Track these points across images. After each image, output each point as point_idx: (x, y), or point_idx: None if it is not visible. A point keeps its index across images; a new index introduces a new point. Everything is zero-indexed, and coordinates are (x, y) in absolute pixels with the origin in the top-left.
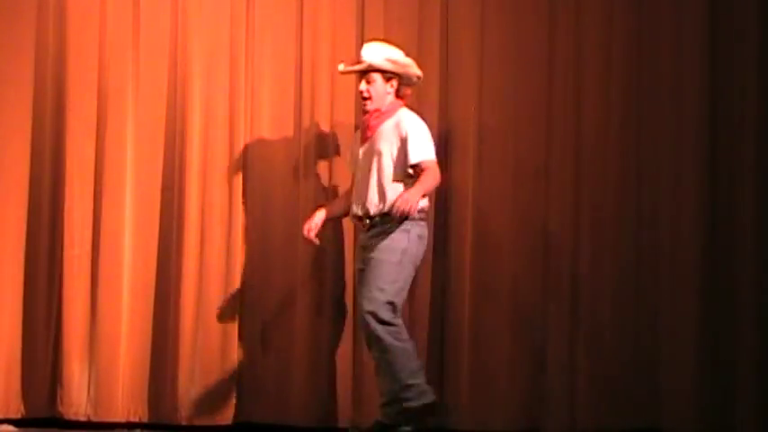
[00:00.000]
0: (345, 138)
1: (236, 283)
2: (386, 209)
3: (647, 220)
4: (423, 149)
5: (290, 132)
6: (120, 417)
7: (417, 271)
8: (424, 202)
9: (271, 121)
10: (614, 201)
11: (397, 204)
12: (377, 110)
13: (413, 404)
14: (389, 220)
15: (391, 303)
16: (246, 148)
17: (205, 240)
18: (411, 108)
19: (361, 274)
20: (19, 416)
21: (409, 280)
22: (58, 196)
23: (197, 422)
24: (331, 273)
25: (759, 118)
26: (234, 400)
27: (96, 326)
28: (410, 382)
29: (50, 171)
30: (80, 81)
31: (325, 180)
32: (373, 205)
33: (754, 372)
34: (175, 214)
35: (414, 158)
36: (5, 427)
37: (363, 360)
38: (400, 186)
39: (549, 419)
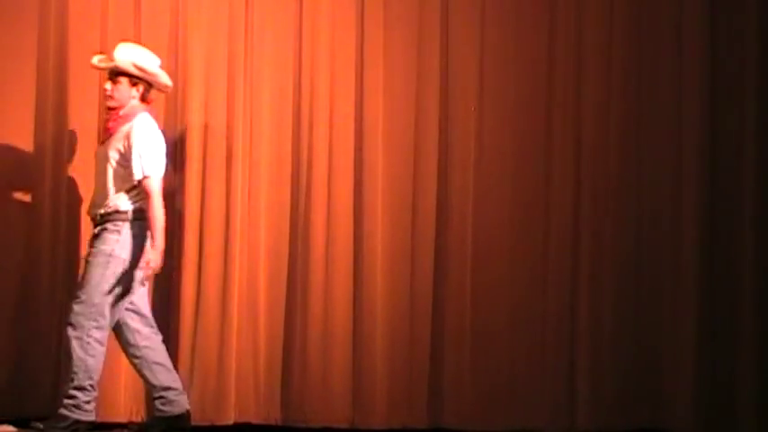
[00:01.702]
0: (343, 138)
1: (235, 284)
2: (102, 209)
3: (648, 220)
4: (144, 166)
5: (288, 132)
6: (121, 417)
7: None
8: (135, 205)
9: (270, 121)
10: (614, 200)
11: (151, 267)
12: (117, 111)
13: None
14: (105, 221)
15: (95, 306)
16: (245, 148)
17: (204, 242)
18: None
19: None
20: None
21: (125, 282)
22: (59, 198)
23: (196, 422)
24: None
25: (759, 117)
26: (233, 401)
27: None
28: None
29: (51, 172)
30: (81, 81)
31: (324, 179)
32: (97, 206)
33: (756, 372)
34: (174, 215)
35: (137, 176)
36: (5, 427)
37: (363, 360)
38: (123, 197)
39: (550, 420)
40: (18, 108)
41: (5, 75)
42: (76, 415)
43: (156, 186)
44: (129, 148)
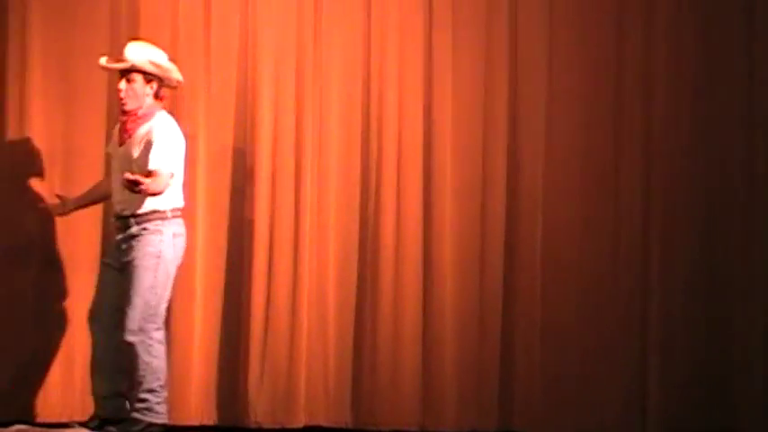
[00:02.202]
0: (412, 140)
1: (305, 286)
2: (135, 210)
3: (719, 221)
4: (162, 159)
5: (357, 136)
6: (192, 420)
7: None
8: (179, 203)
9: (339, 126)
10: (685, 201)
11: (126, 177)
12: (135, 112)
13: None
14: (142, 222)
15: (152, 308)
16: (314, 152)
17: (274, 243)
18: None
19: (113, 272)
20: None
21: (168, 283)
22: None
23: (267, 425)
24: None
25: None
26: (303, 404)
27: (169, 330)
28: None
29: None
30: None
31: (393, 182)
32: (128, 208)
33: None
34: (245, 217)
35: (151, 165)
36: (20, 427)
37: (432, 362)
38: (159, 196)
39: (621, 422)
40: (89, 112)
41: (77, 78)
42: (149, 418)
43: (164, 182)
44: (147, 142)
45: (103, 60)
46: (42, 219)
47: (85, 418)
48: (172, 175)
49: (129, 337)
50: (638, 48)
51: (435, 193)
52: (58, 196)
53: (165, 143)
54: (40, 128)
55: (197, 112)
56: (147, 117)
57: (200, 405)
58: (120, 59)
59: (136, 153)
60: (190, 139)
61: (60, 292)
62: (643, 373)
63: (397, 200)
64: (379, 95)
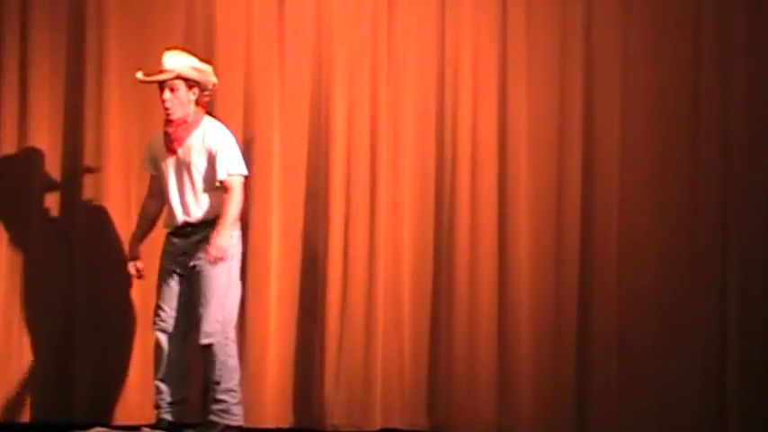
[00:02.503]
0: (487, 141)
1: (380, 289)
2: (204, 217)
3: None
4: (230, 165)
5: (432, 136)
6: (268, 423)
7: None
8: None
9: (413, 125)
10: (763, 200)
11: (213, 255)
12: (183, 120)
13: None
14: (210, 226)
15: (227, 309)
16: (389, 152)
17: (349, 246)
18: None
19: (178, 279)
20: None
21: (239, 283)
22: None
23: (343, 428)
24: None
25: None
26: (379, 407)
27: (245, 332)
28: None
29: None
30: (227, 90)
31: (468, 183)
32: (194, 214)
33: None
34: (320, 220)
35: (221, 175)
36: (99, 429)
37: (508, 365)
38: (218, 195)
39: (699, 425)
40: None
41: (154, 86)
42: (226, 420)
43: (239, 184)
44: (212, 152)
45: (140, 75)
46: (122, 225)
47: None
48: (243, 178)
49: (207, 339)
50: (715, 46)
51: (510, 195)
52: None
53: (227, 150)
54: (116, 136)
55: (272, 116)
56: (195, 124)
57: (275, 408)
58: (159, 71)
59: (198, 162)
60: (264, 143)
61: (139, 298)
62: (720, 377)
63: (471, 202)
64: (453, 97)
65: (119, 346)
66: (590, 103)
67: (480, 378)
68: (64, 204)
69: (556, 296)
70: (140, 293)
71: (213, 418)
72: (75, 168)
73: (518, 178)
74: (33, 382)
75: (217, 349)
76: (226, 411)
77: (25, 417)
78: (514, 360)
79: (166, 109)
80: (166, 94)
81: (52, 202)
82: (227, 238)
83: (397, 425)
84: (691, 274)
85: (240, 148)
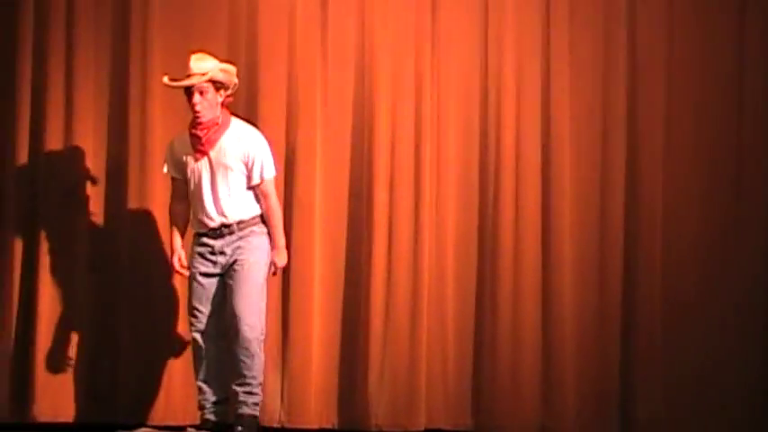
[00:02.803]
0: (531, 139)
1: (424, 289)
2: (240, 217)
3: None
4: (264, 170)
5: (476, 139)
6: (312, 423)
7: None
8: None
9: (457, 128)
10: None
11: (279, 266)
12: (214, 123)
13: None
14: (247, 227)
15: (260, 306)
16: (433, 155)
17: (393, 247)
18: None
19: (214, 279)
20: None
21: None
22: None
23: (387, 428)
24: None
25: None
26: (423, 407)
27: (289, 332)
28: None
29: None
30: (270, 93)
31: (511, 186)
32: (231, 216)
33: None
34: (363, 222)
35: (256, 180)
36: (144, 429)
37: (552, 365)
38: (250, 194)
39: (747, 427)
40: None
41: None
42: (258, 414)
43: (273, 188)
44: (248, 155)
45: (166, 79)
46: (165, 225)
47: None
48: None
49: (249, 334)
50: (760, 45)
51: (554, 194)
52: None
53: (262, 153)
54: (159, 130)
55: (314, 115)
56: (225, 125)
57: (319, 408)
58: (187, 75)
59: (234, 164)
60: (307, 142)
61: (183, 297)
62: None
63: (515, 201)
64: (496, 96)
65: (163, 346)
66: (633, 102)
67: (524, 378)
68: (108, 203)
69: (599, 297)
70: (184, 292)
71: (250, 411)
72: (120, 168)
73: (561, 179)
74: (78, 383)
75: (254, 345)
76: (257, 404)
77: (69, 417)
78: (558, 360)
79: (196, 112)
80: (196, 97)
81: (97, 201)
82: (281, 243)
83: (441, 425)
84: (736, 280)
85: (283, 150)
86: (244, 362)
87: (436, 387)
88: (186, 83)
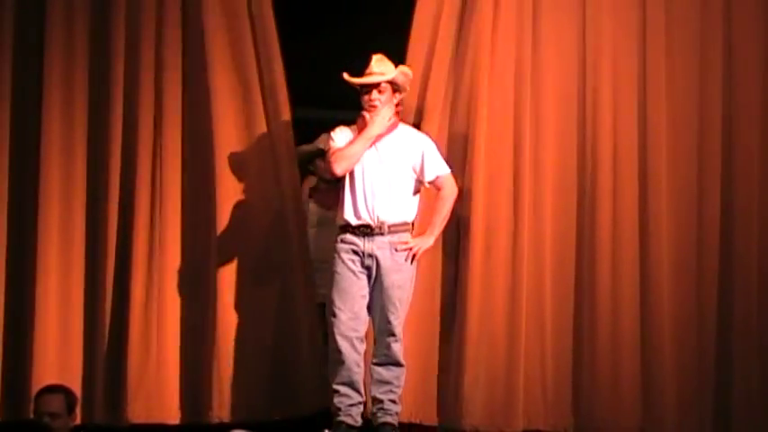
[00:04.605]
0: (628, 141)
1: (522, 290)
2: (398, 220)
3: None
4: (440, 164)
5: (573, 140)
6: (412, 417)
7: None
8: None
9: (555, 129)
10: None
11: (414, 251)
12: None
13: None
14: (400, 231)
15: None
16: (531, 156)
17: (491, 248)
18: None
19: (363, 279)
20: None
21: None
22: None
23: (484, 429)
24: None
25: None
26: (521, 409)
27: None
28: None
29: None
30: None
31: (608, 184)
32: (389, 217)
33: None
34: (463, 221)
35: (430, 176)
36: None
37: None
38: (416, 200)
39: None
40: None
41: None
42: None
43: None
44: (422, 155)
45: (345, 76)
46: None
47: None
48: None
49: (396, 343)
50: None
51: (651, 196)
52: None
53: (434, 150)
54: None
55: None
56: (393, 126)
57: (417, 405)
58: (369, 74)
59: (401, 159)
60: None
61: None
62: None
63: (612, 203)
64: (593, 98)
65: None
66: (729, 104)
67: (624, 380)
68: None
69: (697, 299)
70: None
71: (390, 419)
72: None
73: (658, 181)
74: (182, 384)
75: (400, 350)
76: (397, 414)
77: (175, 418)
78: (658, 362)
79: (372, 107)
80: (375, 93)
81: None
82: (430, 241)
83: (540, 426)
84: None
85: None
86: (392, 367)
87: (534, 388)
88: (369, 80)
